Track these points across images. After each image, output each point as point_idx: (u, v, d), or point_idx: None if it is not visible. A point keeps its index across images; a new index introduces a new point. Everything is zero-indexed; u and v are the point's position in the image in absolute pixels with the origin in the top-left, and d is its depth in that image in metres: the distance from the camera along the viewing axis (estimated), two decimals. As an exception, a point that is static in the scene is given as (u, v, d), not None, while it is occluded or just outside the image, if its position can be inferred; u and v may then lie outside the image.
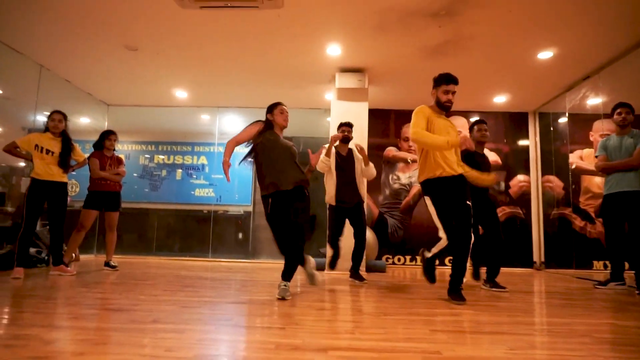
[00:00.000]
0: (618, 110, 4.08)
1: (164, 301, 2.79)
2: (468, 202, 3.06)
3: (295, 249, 3.10)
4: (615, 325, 2.41)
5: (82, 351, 1.61)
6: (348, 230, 4.37)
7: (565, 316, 2.65)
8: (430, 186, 3.14)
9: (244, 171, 7.59)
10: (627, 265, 4.24)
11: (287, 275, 3.08)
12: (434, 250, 3.22)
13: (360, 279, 4.26)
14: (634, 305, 3.19)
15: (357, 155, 4.36)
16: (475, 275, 4.14)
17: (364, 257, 4.25)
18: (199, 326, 2.13)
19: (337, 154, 4.35)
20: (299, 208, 3.11)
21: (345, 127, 4.36)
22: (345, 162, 4.33)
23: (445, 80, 3.14)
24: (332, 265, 4.37)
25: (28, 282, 3.63)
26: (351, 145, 4.40)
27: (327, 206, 4.39)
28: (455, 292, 3.06)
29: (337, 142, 4.30)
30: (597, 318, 2.61)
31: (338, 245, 4.35)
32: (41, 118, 5.97)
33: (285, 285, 3.04)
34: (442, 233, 3.10)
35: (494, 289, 3.78)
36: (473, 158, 3.76)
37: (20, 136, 8.24)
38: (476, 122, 4.06)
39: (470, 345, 1.87)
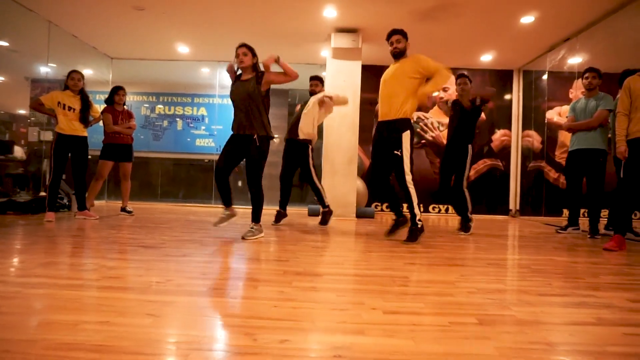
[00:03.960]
0: (585, 75, 4.48)
1: (186, 240, 3.34)
2: (396, 152, 3.57)
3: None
4: (553, 260, 3.00)
5: (140, 274, 2.15)
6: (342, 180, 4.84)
7: (517, 254, 3.24)
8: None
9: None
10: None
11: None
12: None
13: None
14: (581, 246, 3.79)
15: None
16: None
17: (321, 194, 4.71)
18: (220, 258, 2.68)
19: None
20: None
21: (313, 81, 4.83)
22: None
23: (387, 37, 3.73)
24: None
25: (61, 224, 4.16)
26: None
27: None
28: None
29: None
30: (543, 255, 3.20)
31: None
32: (45, 69, 6.29)
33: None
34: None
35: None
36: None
37: (24, 86, 8.53)
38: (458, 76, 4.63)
39: (431, 273, 2.44)
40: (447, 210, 7.25)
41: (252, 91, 3.49)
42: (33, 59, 7.31)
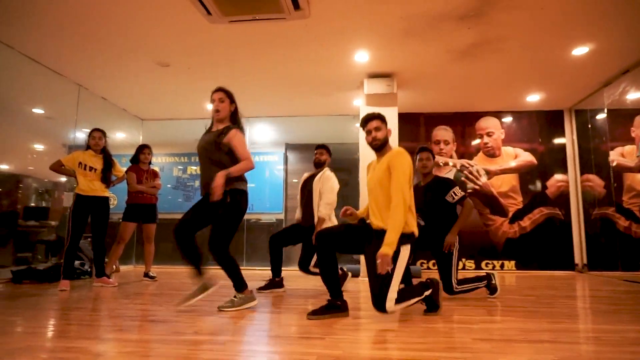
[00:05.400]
0: None
1: (204, 312, 2.84)
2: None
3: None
4: (669, 331, 2.30)
5: (130, 364, 1.66)
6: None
7: (613, 323, 2.54)
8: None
9: (275, 179, 7.69)
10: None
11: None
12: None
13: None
14: (688, 309, 3.03)
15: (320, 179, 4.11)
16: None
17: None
18: (239, 337, 2.15)
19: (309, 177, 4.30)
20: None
21: (318, 150, 4.28)
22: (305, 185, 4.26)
23: (362, 124, 2.88)
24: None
25: (74, 294, 3.76)
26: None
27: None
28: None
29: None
30: (649, 324, 2.50)
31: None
32: (80, 135, 6.22)
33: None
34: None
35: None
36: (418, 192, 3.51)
37: (62, 153, 8.60)
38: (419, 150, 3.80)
39: (514, 355, 1.82)
40: (502, 266, 6.47)
41: (211, 141, 3.03)
42: (68, 125, 7.36)
